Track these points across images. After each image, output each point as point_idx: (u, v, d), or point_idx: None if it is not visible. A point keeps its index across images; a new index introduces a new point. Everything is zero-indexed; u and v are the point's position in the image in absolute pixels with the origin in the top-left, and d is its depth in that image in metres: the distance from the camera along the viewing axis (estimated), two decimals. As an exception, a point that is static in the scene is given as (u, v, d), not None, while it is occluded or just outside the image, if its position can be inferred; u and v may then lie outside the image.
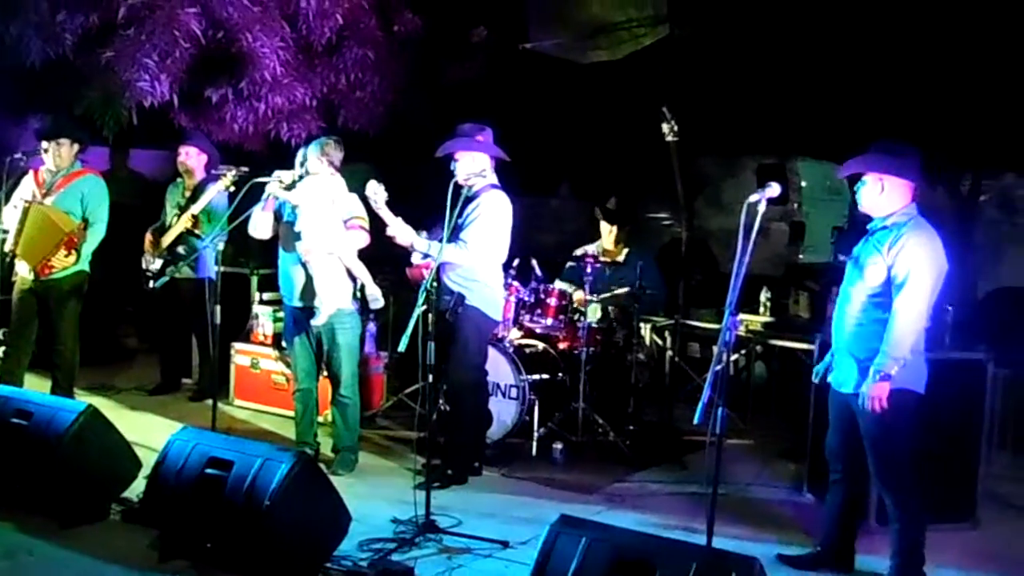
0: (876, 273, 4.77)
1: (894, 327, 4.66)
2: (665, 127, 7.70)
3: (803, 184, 12.88)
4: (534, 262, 7.28)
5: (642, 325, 7.64)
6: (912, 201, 4.86)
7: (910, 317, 4.65)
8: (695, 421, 4.28)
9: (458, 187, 5.85)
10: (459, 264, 6.17)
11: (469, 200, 6.11)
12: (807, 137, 12.62)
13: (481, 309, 6.27)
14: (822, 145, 12.65)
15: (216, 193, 7.55)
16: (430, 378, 5.61)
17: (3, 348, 7.83)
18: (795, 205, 12.80)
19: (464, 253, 6.11)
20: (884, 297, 4.75)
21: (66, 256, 6.97)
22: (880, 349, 4.68)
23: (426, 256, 6.19)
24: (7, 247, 7.15)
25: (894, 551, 4.88)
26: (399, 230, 6.12)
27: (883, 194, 4.83)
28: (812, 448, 6.14)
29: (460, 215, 6.07)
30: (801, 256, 12.60)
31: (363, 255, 6.48)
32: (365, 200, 6.18)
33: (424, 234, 6.16)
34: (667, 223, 13.09)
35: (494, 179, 6.30)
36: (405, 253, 6.44)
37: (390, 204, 6.08)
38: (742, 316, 8.09)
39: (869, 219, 4.97)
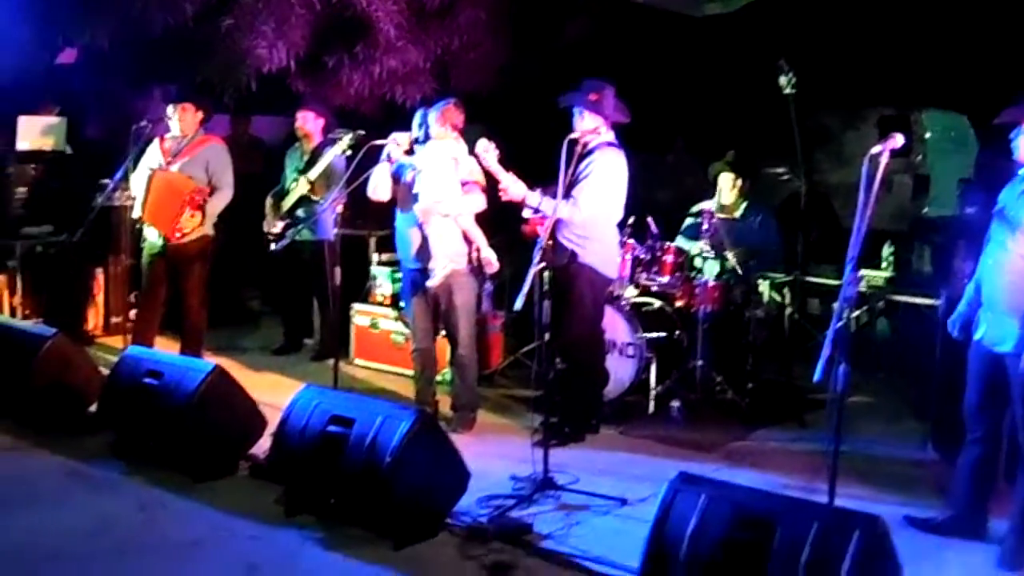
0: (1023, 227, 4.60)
1: None
2: (783, 79, 7.52)
3: (927, 135, 12.48)
4: (650, 220, 7.21)
5: (760, 281, 7.52)
6: None
7: None
8: (815, 379, 4.20)
9: (572, 143, 5.81)
10: (572, 221, 6.14)
11: (583, 157, 6.08)
12: (931, 87, 12.23)
13: (594, 266, 6.24)
14: (947, 95, 12.25)
15: (334, 157, 7.66)
16: (546, 336, 5.63)
17: (135, 311, 8.13)
18: (919, 157, 12.40)
19: (575, 210, 6.07)
20: None
21: (192, 216, 7.14)
22: None
23: (536, 211, 6.18)
24: (135, 214, 7.38)
25: (1015, 508, 4.74)
26: (511, 184, 6.12)
27: None
28: (938, 405, 6.00)
29: (575, 172, 6.06)
30: (926, 210, 12.22)
31: (479, 217, 6.52)
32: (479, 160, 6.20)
33: (539, 191, 6.13)
34: (785, 178, 12.82)
35: (610, 137, 6.25)
36: (520, 212, 6.44)
37: (504, 164, 6.09)
38: (864, 272, 7.92)
39: (1001, 170, 4.79)
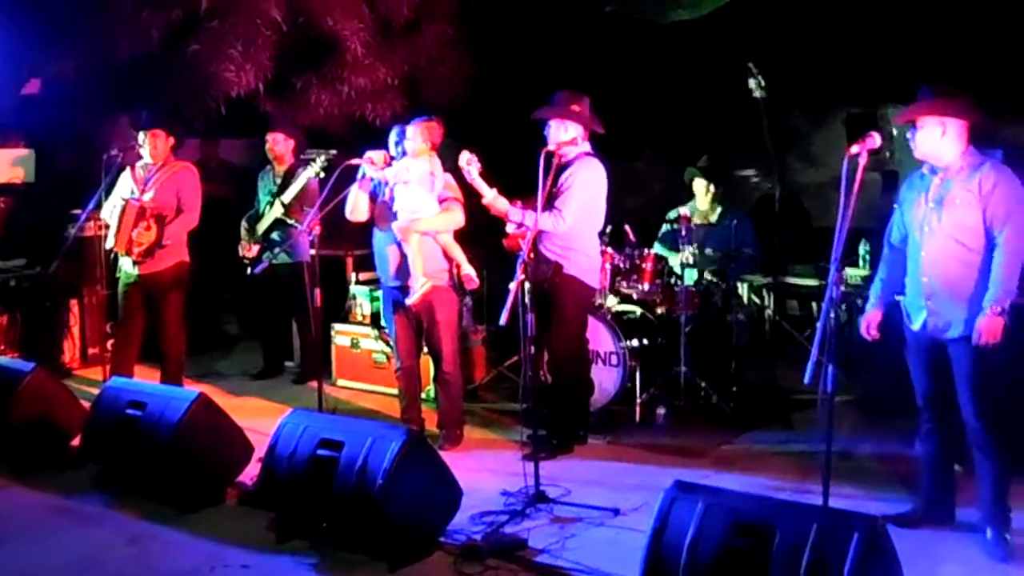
0: (965, 216, 4.69)
1: (1004, 263, 4.61)
2: (752, 83, 7.56)
3: (894, 132, 12.55)
4: (627, 228, 7.23)
5: (739, 285, 7.54)
6: (969, 143, 4.79)
7: (1019, 253, 4.62)
8: (805, 381, 4.21)
9: (549, 155, 5.81)
10: (555, 233, 6.14)
11: (563, 168, 6.09)
12: (896, 83, 12.29)
13: (579, 277, 6.26)
14: (912, 91, 12.32)
15: (305, 180, 7.63)
16: (531, 349, 5.61)
17: (112, 341, 8.06)
18: (887, 153, 12.45)
19: (558, 221, 6.07)
20: (973, 239, 4.69)
21: (146, 230, 7.04)
22: (991, 286, 4.61)
23: (521, 225, 6.16)
24: (108, 245, 7.31)
25: (985, 497, 4.83)
26: (493, 199, 6.11)
27: (944, 137, 4.76)
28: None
29: (555, 184, 6.06)
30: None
31: (458, 232, 6.50)
32: (459, 176, 6.18)
33: (519, 204, 6.11)
34: (755, 180, 12.88)
35: (587, 147, 6.27)
36: (500, 226, 6.42)
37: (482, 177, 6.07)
38: (848, 271, 7.97)
39: None
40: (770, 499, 4.01)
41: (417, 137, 6.31)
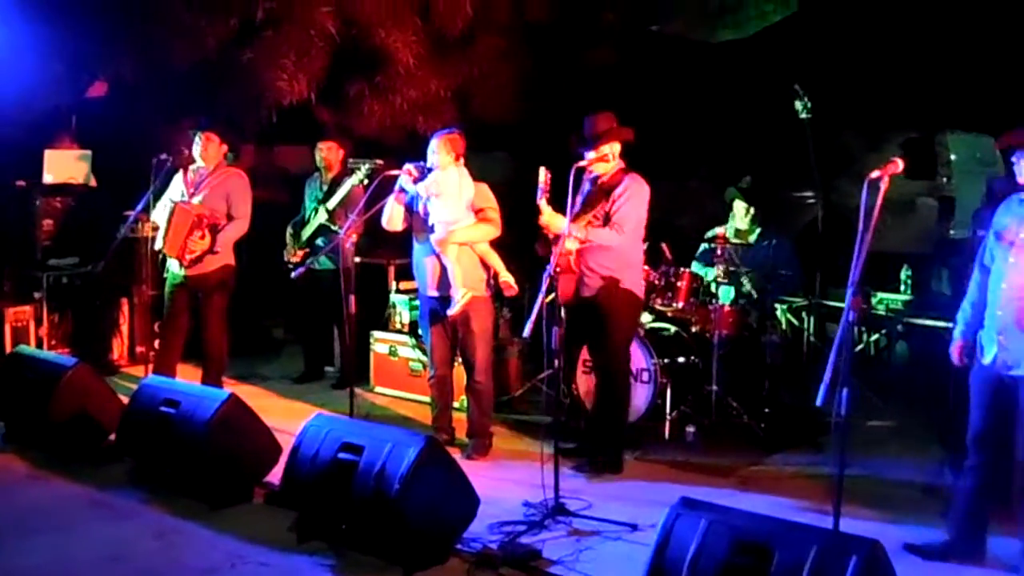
0: None
1: None
2: (798, 104, 7.57)
3: (952, 158, 12.42)
4: (664, 245, 7.25)
5: (776, 306, 7.52)
6: None
7: None
8: (817, 403, 4.21)
9: (580, 171, 5.85)
10: (608, 249, 6.17)
11: (609, 185, 6.16)
12: (957, 109, 12.16)
13: (634, 291, 6.31)
14: (971, 117, 12.18)
15: (350, 187, 7.76)
16: (556, 364, 5.66)
17: (157, 340, 8.25)
18: (944, 179, 12.35)
19: (619, 236, 6.12)
20: None
21: (200, 239, 7.23)
22: None
23: (585, 243, 6.14)
24: (157, 246, 7.50)
25: None
26: (551, 218, 6.10)
27: None
28: (956, 430, 5.96)
29: (604, 201, 6.13)
30: (952, 232, 12.15)
31: (497, 242, 6.57)
32: (511, 191, 6.23)
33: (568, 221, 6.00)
34: (811, 201, 12.80)
35: (621, 163, 6.30)
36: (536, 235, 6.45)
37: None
38: (882, 295, 7.91)
39: (1010, 191, 4.79)
40: (773, 519, 4.00)
41: (441, 150, 6.39)
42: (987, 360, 4.78)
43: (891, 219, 9.35)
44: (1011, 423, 4.76)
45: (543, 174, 5.95)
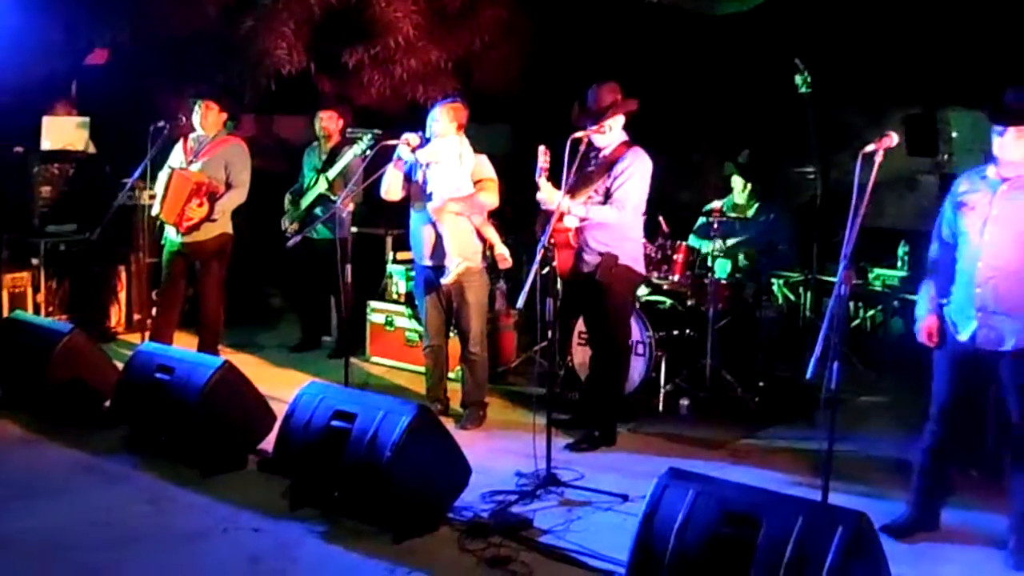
0: None
1: None
2: (798, 79, 7.53)
3: (954, 135, 12.38)
4: (661, 219, 7.24)
5: (773, 281, 7.52)
6: None
7: None
8: (807, 376, 4.22)
9: (576, 142, 5.76)
10: (611, 224, 6.11)
11: (611, 160, 6.10)
12: (958, 85, 12.11)
13: (632, 266, 6.25)
14: (973, 93, 12.13)
15: (351, 157, 7.75)
16: (550, 335, 5.67)
17: (154, 308, 8.26)
18: (945, 156, 12.31)
19: (620, 213, 6.07)
20: None
21: (199, 206, 7.22)
22: None
23: (583, 220, 6.08)
24: (154, 212, 7.50)
25: (1017, 507, 4.76)
26: (550, 195, 6.03)
27: None
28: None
29: (606, 176, 6.08)
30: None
31: (494, 214, 6.57)
32: (511, 163, 6.21)
33: (567, 197, 5.94)
34: (811, 177, 12.77)
35: (624, 135, 6.21)
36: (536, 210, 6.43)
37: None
38: (879, 271, 7.91)
39: None
40: (760, 490, 4.02)
41: (443, 118, 6.38)
42: (964, 337, 4.76)
43: (887, 195, 9.33)
44: (985, 398, 4.84)
45: (543, 153, 5.91)
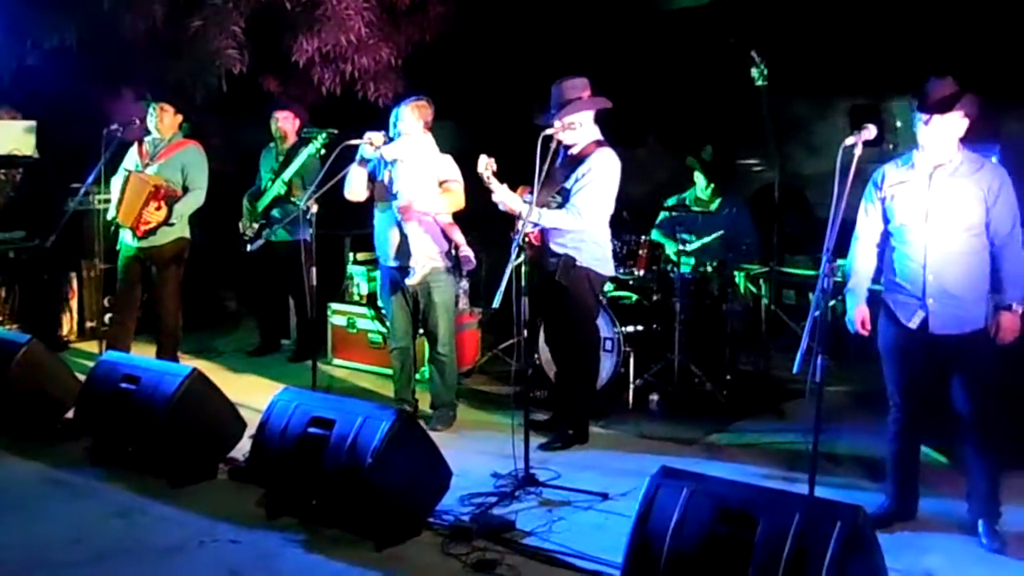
0: (974, 211, 4.66)
1: (1020, 261, 4.67)
2: (755, 72, 7.56)
3: (899, 124, 12.52)
4: (625, 214, 7.21)
5: (736, 274, 7.54)
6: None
7: None
8: (794, 370, 4.23)
9: (547, 139, 5.59)
10: (569, 229, 6.02)
11: (576, 159, 6.01)
12: (901, 75, 12.26)
13: (592, 268, 6.12)
14: (917, 83, 12.29)
15: (306, 157, 7.64)
16: (525, 333, 5.62)
17: (110, 315, 8.09)
18: (891, 146, 12.43)
19: (577, 220, 5.95)
20: (980, 235, 4.69)
21: (156, 210, 7.10)
22: (1013, 284, 4.67)
23: (536, 225, 6.01)
24: (109, 216, 7.34)
25: (979, 490, 4.87)
26: (506, 198, 5.96)
27: (956, 132, 4.70)
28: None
29: (567, 177, 5.98)
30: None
31: (455, 214, 6.50)
32: (461, 161, 6.14)
33: (527, 197, 5.90)
34: (758, 169, 12.86)
35: (596, 133, 6.11)
36: (496, 209, 6.37)
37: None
38: (840, 261, 7.94)
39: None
40: (755, 487, 4.02)
41: (410, 117, 6.31)
42: (913, 324, 4.82)
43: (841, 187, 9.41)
44: (932, 380, 4.89)
45: (483, 162, 5.77)
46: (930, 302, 4.76)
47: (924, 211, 4.74)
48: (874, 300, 5.12)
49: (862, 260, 5.07)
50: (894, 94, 12.47)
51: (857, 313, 5.04)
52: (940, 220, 4.72)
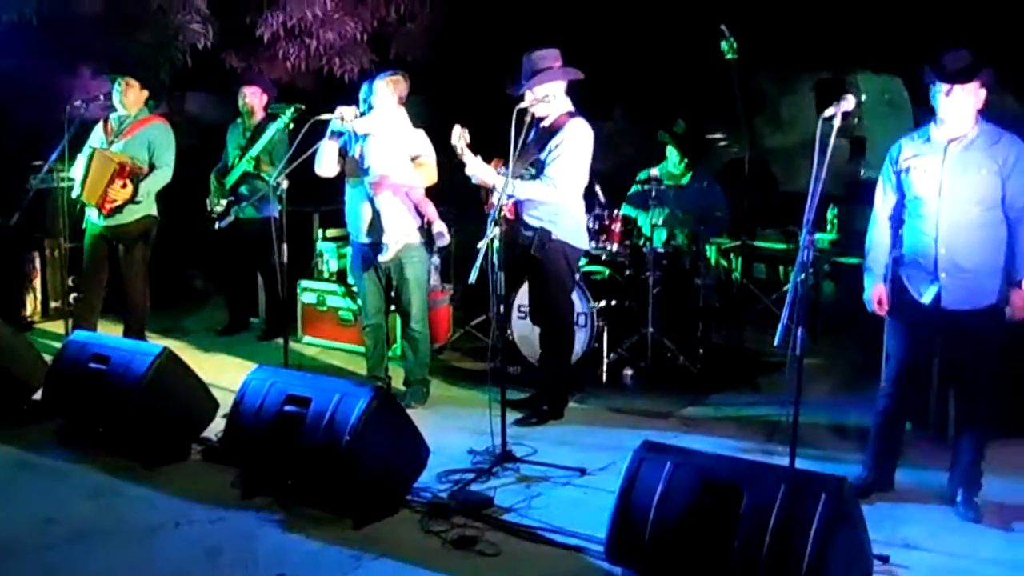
0: (989, 184, 4.63)
1: None
2: (724, 45, 7.53)
3: (863, 98, 12.56)
4: (597, 188, 7.17)
5: (707, 248, 7.55)
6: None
7: None
8: (775, 343, 4.23)
9: (522, 112, 5.58)
10: (544, 201, 5.99)
11: (549, 131, 5.96)
12: (865, 49, 12.32)
13: (568, 241, 6.08)
14: (881, 57, 12.35)
15: (276, 132, 7.54)
16: (501, 308, 5.59)
17: (75, 294, 7.97)
18: (855, 120, 12.48)
19: (551, 190, 5.90)
20: (995, 209, 4.65)
21: (122, 187, 6.99)
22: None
23: (511, 197, 5.92)
24: (74, 194, 7.22)
25: (965, 461, 4.89)
26: (479, 170, 5.91)
27: (976, 103, 4.65)
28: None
29: (541, 149, 5.93)
30: (863, 173, 12.33)
31: (428, 189, 6.45)
32: (431, 135, 6.08)
33: (502, 170, 5.82)
34: (724, 143, 12.88)
35: (568, 104, 6.06)
36: (473, 186, 6.31)
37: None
38: (819, 235, 7.99)
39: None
40: (738, 460, 4.04)
41: (384, 91, 6.23)
42: (927, 299, 4.78)
43: (803, 161, 9.44)
44: (931, 355, 4.95)
45: (457, 133, 5.72)
46: (943, 276, 4.72)
47: (938, 184, 4.69)
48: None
49: (879, 237, 5.00)
50: (858, 68, 12.56)
51: (874, 291, 4.98)
52: (954, 194, 4.67)
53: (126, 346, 5.81)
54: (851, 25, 12.03)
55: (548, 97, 5.88)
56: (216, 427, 5.60)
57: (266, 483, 5.04)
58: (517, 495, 5.06)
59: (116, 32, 8.27)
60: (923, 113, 5.00)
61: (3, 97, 8.82)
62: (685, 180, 7.81)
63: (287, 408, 4.88)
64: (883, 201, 5.00)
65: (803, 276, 4.33)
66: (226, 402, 5.39)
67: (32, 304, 8.67)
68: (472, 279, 5.24)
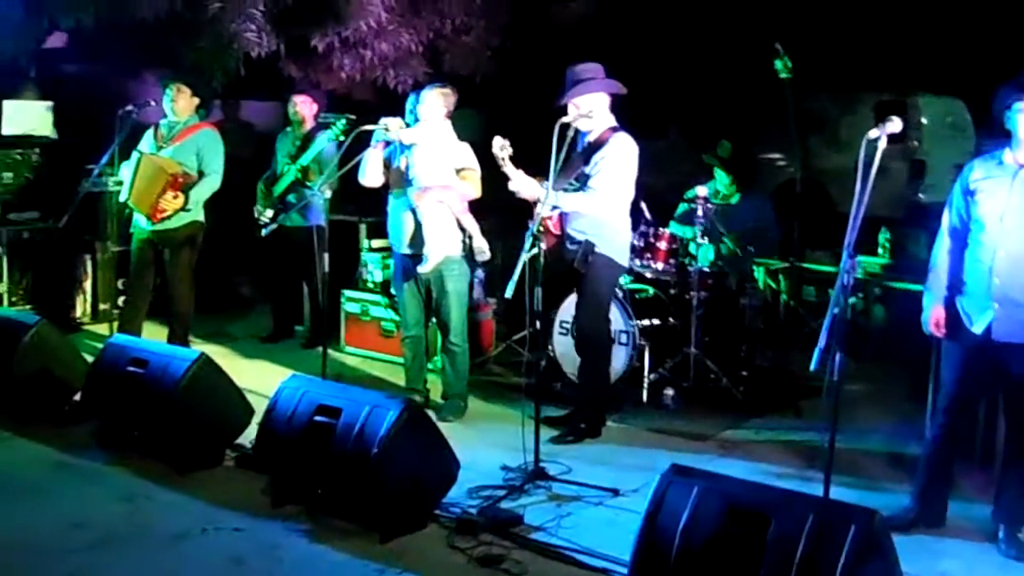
0: None
1: None
2: (779, 64, 7.44)
3: (924, 121, 12.37)
4: (643, 205, 7.11)
5: (755, 268, 7.43)
6: None
7: None
8: (811, 367, 4.11)
9: (565, 127, 5.55)
10: (588, 213, 5.95)
11: (594, 145, 5.93)
12: (928, 72, 12.14)
13: (612, 257, 6.04)
14: (944, 80, 12.16)
15: (326, 142, 7.57)
16: (538, 324, 5.54)
17: (122, 297, 8.04)
18: (915, 143, 12.30)
19: (595, 202, 5.88)
20: None
21: (174, 198, 7.03)
22: None
23: (555, 208, 5.93)
24: (122, 198, 7.29)
25: (1010, 496, 4.74)
26: (523, 184, 5.89)
27: None
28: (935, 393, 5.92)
29: (586, 162, 5.90)
30: (922, 195, 12.12)
31: (470, 203, 6.42)
32: (479, 150, 6.06)
33: (546, 184, 5.70)
34: (781, 163, 12.74)
35: (612, 120, 6.04)
36: (512, 198, 6.27)
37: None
38: (860, 258, 7.82)
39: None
40: (767, 487, 3.92)
41: (434, 103, 6.23)
42: (978, 329, 4.62)
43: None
44: (993, 390, 4.76)
45: (498, 143, 5.67)
46: (995, 307, 4.56)
47: (1001, 210, 4.53)
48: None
49: (942, 258, 4.84)
50: (920, 90, 12.37)
51: (933, 314, 4.83)
52: (1016, 222, 4.51)
53: (164, 350, 5.84)
54: (914, 47, 11.86)
55: (591, 112, 5.85)
56: (250, 434, 5.59)
57: (296, 492, 5.03)
58: (547, 514, 4.99)
59: (172, 38, 8.34)
60: (987, 138, 4.86)
61: (63, 101, 8.98)
62: (735, 199, 7.70)
63: (317, 418, 4.86)
64: (949, 221, 4.84)
65: (842, 300, 4.21)
66: (263, 409, 5.37)
67: (82, 306, 8.79)
68: (509, 293, 5.19)
